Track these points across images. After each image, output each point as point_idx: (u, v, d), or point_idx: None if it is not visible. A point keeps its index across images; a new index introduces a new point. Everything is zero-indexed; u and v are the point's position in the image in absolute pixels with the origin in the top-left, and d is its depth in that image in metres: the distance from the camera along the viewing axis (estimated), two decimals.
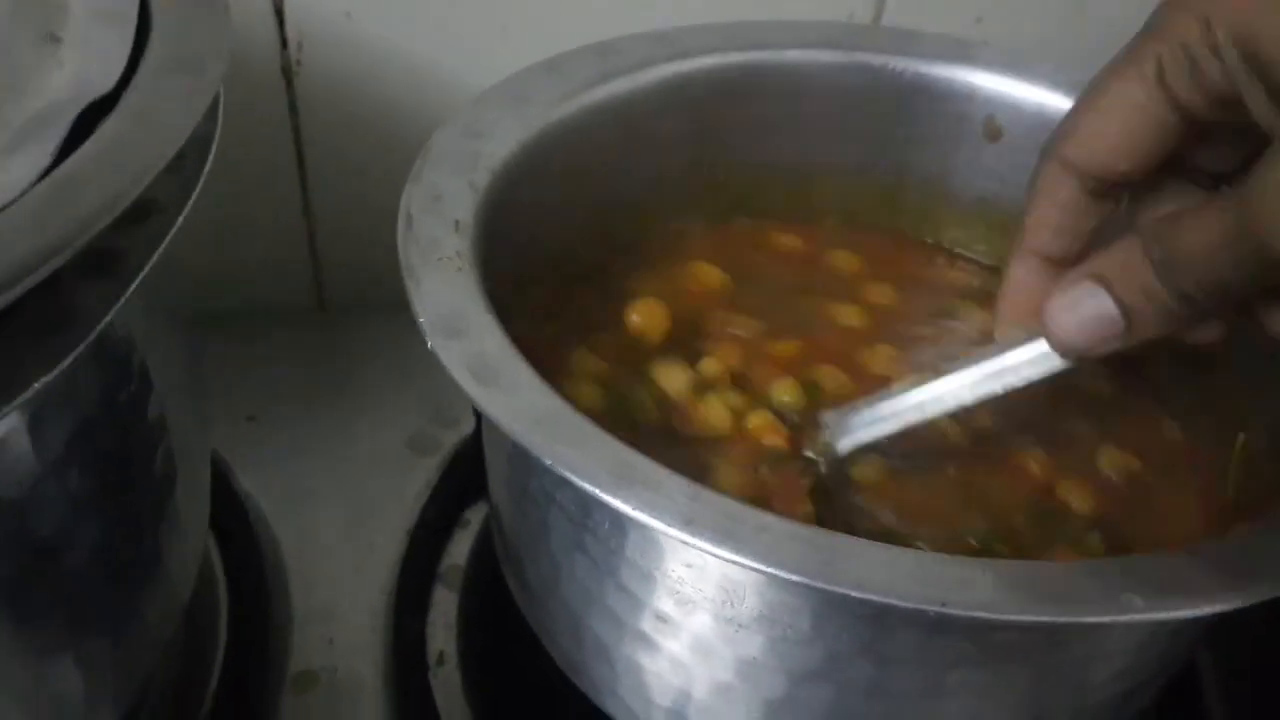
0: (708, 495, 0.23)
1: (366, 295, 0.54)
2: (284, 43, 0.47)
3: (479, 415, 0.45)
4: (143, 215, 0.24)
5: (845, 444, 0.33)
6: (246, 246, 0.52)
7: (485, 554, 0.43)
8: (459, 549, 0.43)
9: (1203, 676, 0.39)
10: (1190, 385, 0.37)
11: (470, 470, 0.45)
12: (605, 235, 0.41)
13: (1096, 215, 0.30)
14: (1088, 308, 0.27)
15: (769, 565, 0.22)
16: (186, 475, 0.33)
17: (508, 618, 0.36)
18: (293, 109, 0.49)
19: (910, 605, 0.21)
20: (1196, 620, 0.23)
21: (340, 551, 0.43)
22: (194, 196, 0.25)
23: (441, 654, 0.40)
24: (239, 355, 0.50)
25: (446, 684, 0.39)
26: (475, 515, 0.45)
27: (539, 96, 0.37)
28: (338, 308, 0.56)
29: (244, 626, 0.40)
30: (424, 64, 0.49)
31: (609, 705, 0.32)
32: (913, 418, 0.32)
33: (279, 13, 0.47)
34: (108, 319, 0.22)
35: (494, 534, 0.37)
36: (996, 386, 0.31)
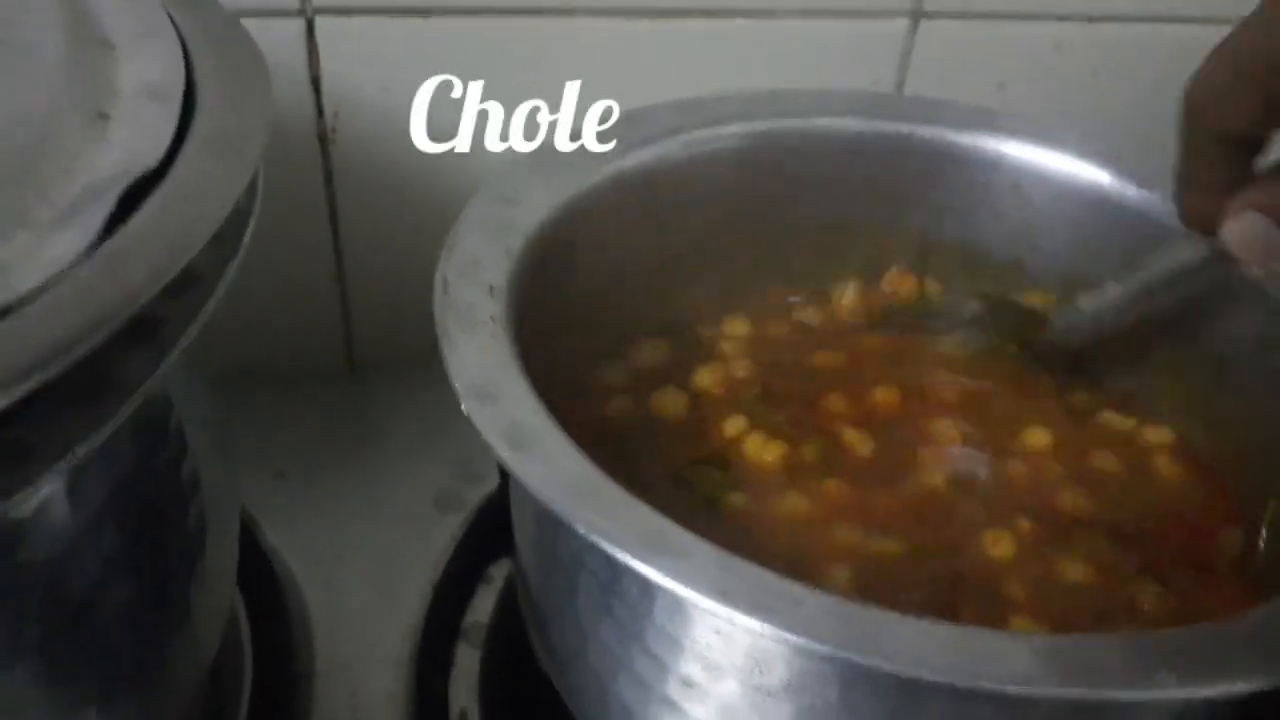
0: (738, 564, 0.23)
1: (395, 355, 0.54)
2: (320, 111, 0.48)
3: (505, 475, 0.46)
4: (184, 286, 0.24)
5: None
6: (279, 306, 0.53)
7: (508, 611, 0.43)
8: (483, 605, 0.44)
9: None
10: (1220, 453, 0.37)
11: (495, 527, 0.46)
12: (632, 300, 0.42)
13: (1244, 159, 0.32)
14: (1258, 232, 0.31)
15: (805, 637, 0.22)
16: (216, 533, 0.33)
17: (530, 677, 0.36)
18: (328, 175, 0.50)
19: (943, 680, 0.21)
20: (1231, 697, 0.23)
21: (365, 607, 0.43)
22: (233, 268, 0.26)
23: (464, 712, 0.40)
24: (269, 412, 0.51)
25: None
26: (499, 571, 0.45)
27: (569, 164, 0.38)
28: (366, 367, 0.56)
29: (269, 679, 0.40)
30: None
31: None
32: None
33: (316, 82, 0.48)
34: (147, 386, 0.23)
35: (519, 594, 0.37)
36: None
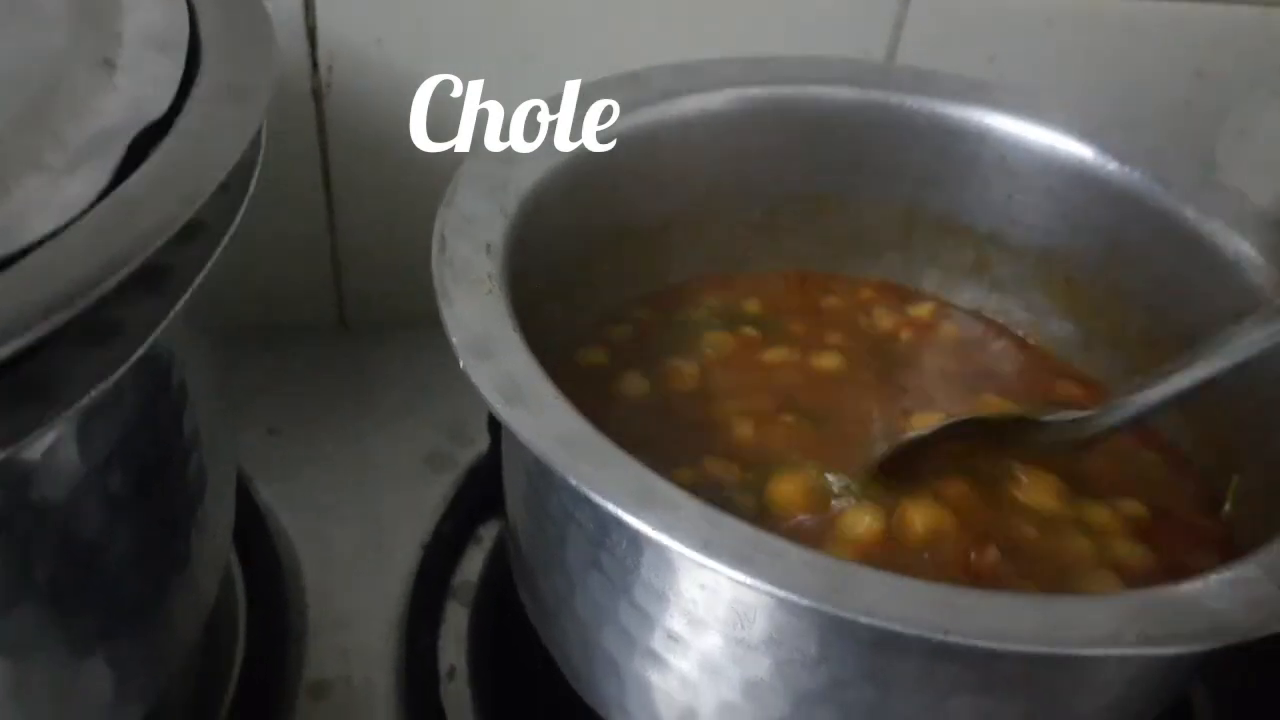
0: (725, 520, 0.24)
1: (387, 313, 0.55)
2: (315, 65, 0.49)
3: (495, 434, 0.47)
4: (191, 235, 0.25)
5: None
6: (271, 262, 0.53)
7: (498, 570, 0.44)
8: (472, 565, 0.44)
9: (1197, 709, 0.39)
10: (1190, 425, 0.38)
11: (485, 487, 0.46)
12: (626, 260, 0.43)
13: None
14: None
15: (783, 589, 0.23)
16: (215, 484, 0.34)
17: (518, 634, 0.36)
18: (321, 129, 0.50)
19: (914, 632, 0.22)
20: (1190, 654, 0.24)
21: (356, 564, 0.44)
22: (238, 217, 0.27)
23: (453, 668, 0.40)
24: (262, 369, 0.51)
25: (457, 697, 0.39)
26: (489, 532, 0.46)
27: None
28: (359, 325, 0.57)
29: (261, 634, 0.41)
30: (452, 89, 0.50)
31: None
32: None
33: (311, 35, 0.48)
34: (157, 333, 0.23)
35: (509, 550, 0.38)
36: None
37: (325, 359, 0.54)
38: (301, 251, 0.54)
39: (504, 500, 0.37)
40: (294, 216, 0.53)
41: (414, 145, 0.51)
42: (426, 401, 0.51)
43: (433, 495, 0.47)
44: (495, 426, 0.47)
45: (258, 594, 0.42)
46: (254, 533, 0.44)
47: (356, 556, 0.44)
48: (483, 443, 0.49)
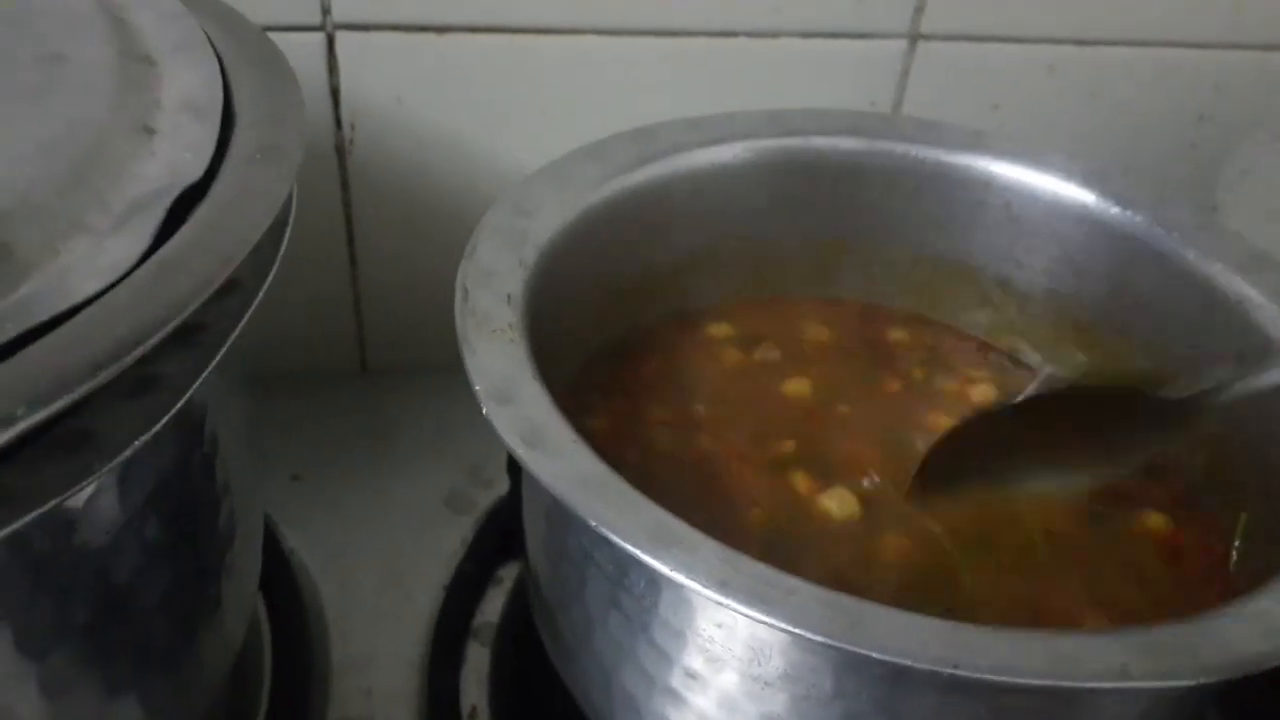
0: (740, 559, 0.25)
1: (407, 360, 0.56)
2: (338, 123, 0.50)
3: (514, 476, 0.48)
4: (226, 292, 0.26)
5: None
6: (296, 312, 0.54)
7: (517, 612, 0.44)
8: (492, 606, 0.45)
9: None
10: (1195, 464, 0.39)
11: (504, 529, 0.47)
12: (638, 306, 0.44)
13: None
14: None
15: (797, 626, 0.23)
16: (244, 530, 0.35)
17: (538, 674, 0.37)
18: (344, 184, 0.52)
19: (924, 666, 0.23)
20: (1197, 687, 0.25)
21: (379, 605, 0.45)
22: (271, 275, 0.28)
23: (474, 708, 0.41)
24: (285, 416, 0.52)
25: None
26: (508, 573, 0.46)
27: (581, 178, 0.40)
28: (379, 371, 0.58)
29: (287, 675, 0.42)
30: (468, 145, 0.52)
31: None
32: None
33: (335, 94, 0.50)
34: (195, 387, 0.25)
35: (529, 590, 0.39)
36: None
37: (347, 404, 0.55)
38: (325, 301, 0.55)
39: (523, 542, 0.38)
40: (319, 267, 0.54)
41: (433, 199, 0.53)
42: (446, 445, 0.52)
43: (453, 537, 0.48)
44: (514, 469, 0.48)
45: (283, 635, 0.43)
46: (279, 576, 0.45)
47: (379, 598, 0.45)
48: (502, 485, 0.50)
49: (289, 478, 0.50)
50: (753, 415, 0.41)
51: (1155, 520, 0.38)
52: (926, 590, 0.34)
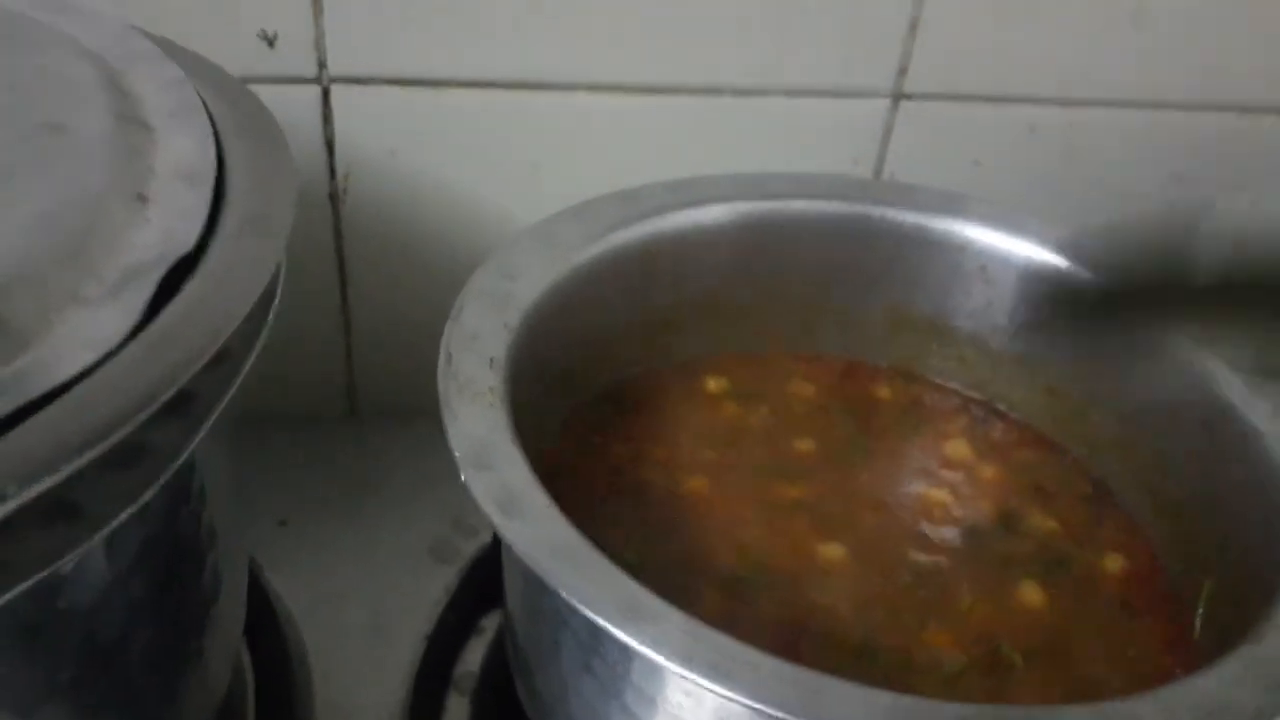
0: (705, 632, 0.26)
1: (396, 406, 0.57)
2: (332, 173, 0.51)
3: None
4: (216, 362, 0.27)
5: None
6: (286, 357, 0.55)
7: (498, 662, 0.45)
8: (473, 656, 0.46)
9: None
10: (1163, 529, 0.40)
11: (487, 579, 0.48)
12: (621, 359, 0.45)
13: None
14: None
15: (758, 702, 0.24)
16: (229, 582, 0.35)
17: None
18: (337, 233, 0.53)
19: None
20: None
21: (362, 652, 0.45)
22: (259, 344, 0.29)
23: None
24: (275, 460, 0.53)
25: None
26: (490, 623, 0.47)
27: (566, 239, 0.41)
28: (368, 416, 0.59)
29: None
30: (460, 196, 0.53)
31: None
32: None
33: (330, 145, 0.51)
34: (184, 456, 0.25)
35: (507, 644, 0.40)
36: None
37: (335, 449, 0.56)
38: (317, 346, 0.56)
39: (505, 593, 0.39)
40: (311, 313, 0.55)
41: (425, 248, 0.53)
42: (432, 492, 0.53)
43: (436, 585, 0.48)
44: None
45: (266, 681, 0.44)
46: (263, 621, 0.46)
47: (362, 644, 0.46)
48: (485, 534, 0.50)
49: (276, 523, 0.51)
50: (749, 463, 0.42)
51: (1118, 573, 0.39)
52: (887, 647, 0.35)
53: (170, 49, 0.36)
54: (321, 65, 0.49)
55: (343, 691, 0.44)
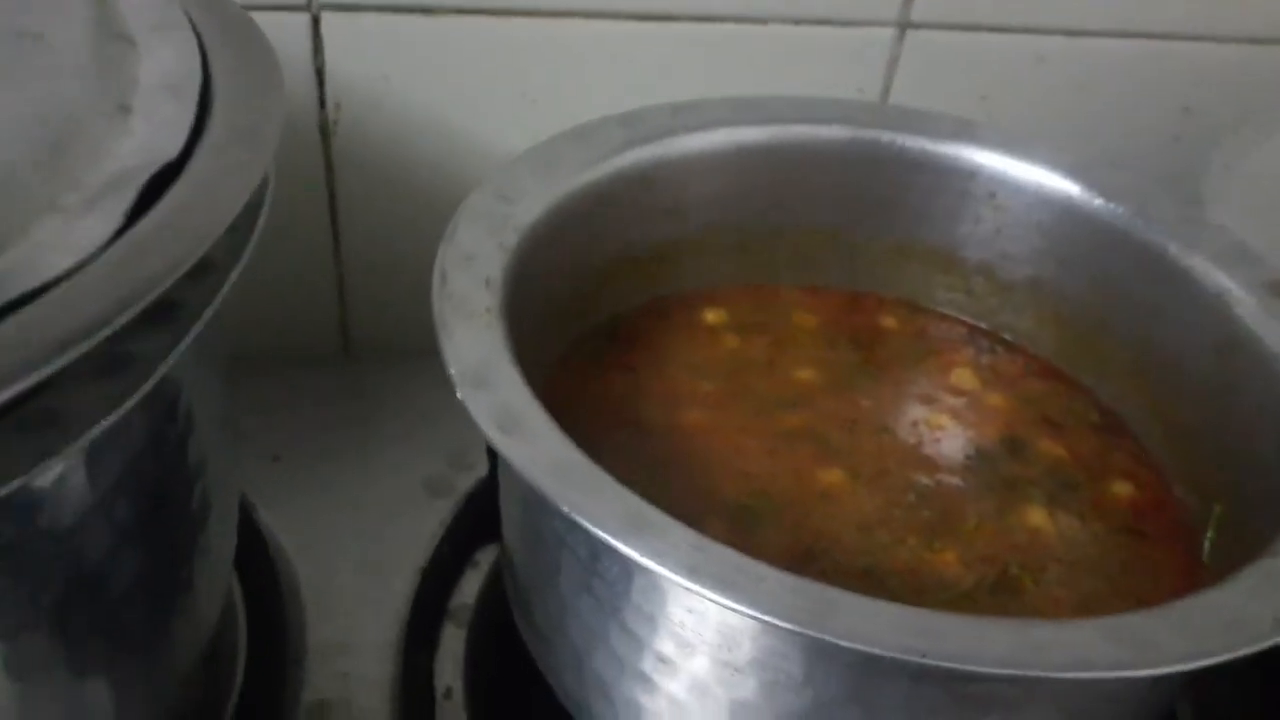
0: (711, 546, 0.25)
1: (390, 343, 0.56)
2: (322, 103, 0.50)
3: (493, 460, 0.47)
4: (200, 272, 0.26)
5: None
6: (277, 292, 0.54)
7: (493, 594, 0.44)
8: (469, 588, 0.45)
9: None
10: (1174, 455, 0.39)
11: (483, 513, 0.47)
12: (621, 290, 0.44)
13: None
14: None
15: (764, 613, 0.23)
16: (218, 511, 0.35)
17: (513, 656, 0.37)
18: (328, 165, 0.52)
19: (892, 655, 0.23)
20: (1164, 676, 0.25)
21: (356, 588, 0.45)
22: (245, 256, 0.28)
23: (449, 689, 0.41)
24: (266, 397, 0.52)
25: (454, 718, 0.40)
26: (485, 557, 0.47)
27: (566, 162, 0.40)
28: (361, 354, 0.58)
29: (262, 657, 0.42)
30: (455, 128, 0.51)
31: None
32: None
33: (320, 74, 0.49)
34: (165, 366, 0.24)
35: (504, 574, 0.39)
36: None
37: (329, 387, 0.55)
38: (308, 283, 0.55)
39: (501, 525, 0.38)
40: (301, 249, 0.54)
41: (419, 181, 0.52)
42: (427, 428, 0.52)
43: (431, 520, 0.48)
44: (494, 453, 0.47)
45: (258, 617, 0.43)
46: (255, 557, 0.45)
47: (356, 580, 0.45)
48: (481, 468, 0.50)
49: (269, 458, 0.50)
50: (751, 393, 0.42)
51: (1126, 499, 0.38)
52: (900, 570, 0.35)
53: None
54: None
55: (337, 627, 0.43)
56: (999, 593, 0.34)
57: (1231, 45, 0.56)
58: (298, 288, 0.55)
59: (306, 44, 0.49)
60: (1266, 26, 0.56)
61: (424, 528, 0.47)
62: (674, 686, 0.30)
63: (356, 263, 0.55)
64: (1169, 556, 0.36)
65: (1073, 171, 0.43)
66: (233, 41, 0.34)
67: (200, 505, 0.33)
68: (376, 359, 0.57)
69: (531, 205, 0.38)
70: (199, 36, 0.33)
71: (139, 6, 0.33)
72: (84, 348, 0.22)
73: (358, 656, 0.42)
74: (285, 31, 0.48)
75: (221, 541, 0.36)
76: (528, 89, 0.51)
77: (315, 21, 0.48)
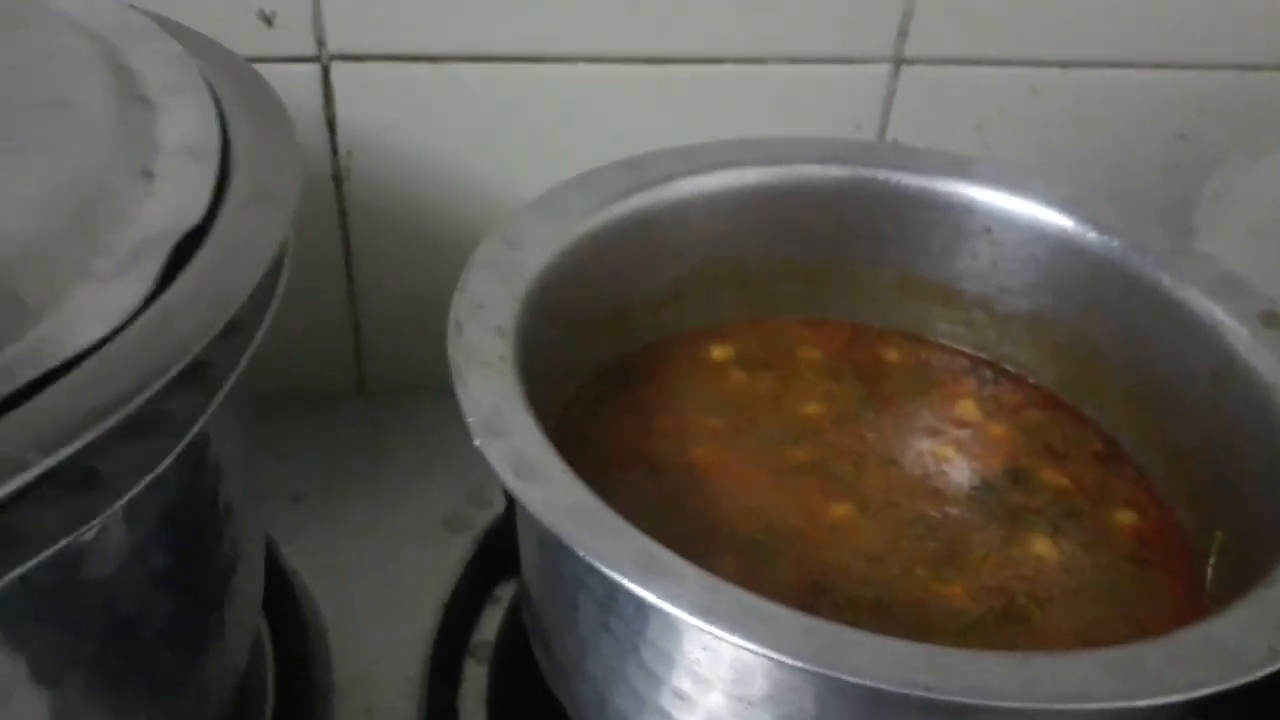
0: (723, 586, 0.26)
1: (403, 382, 0.57)
2: (334, 150, 0.51)
3: (511, 499, 0.49)
4: (228, 332, 0.27)
5: None
6: (294, 335, 0.55)
7: (513, 631, 0.45)
8: (489, 625, 0.46)
9: None
10: (1175, 483, 0.40)
11: (501, 549, 0.48)
12: (628, 330, 0.45)
13: None
14: None
15: (777, 652, 0.24)
16: (246, 555, 0.36)
17: (533, 693, 0.38)
18: (342, 211, 0.53)
19: (900, 690, 0.24)
20: (1164, 706, 0.26)
21: (379, 624, 0.46)
22: (270, 314, 0.29)
23: None
24: (286, 437, 0.53)
25: None
26: (505, 592, 0.47)
27: (572, 209, 0.41)
28: (377, 392, 0.59)
29: (290, 694, 0.43)
30: (462, 171, 0.53)
31: None
32: None
33: (331, 123, 0.51)
34: (200, 424, 0.26)
35: (524, 610, 0.40)
36: None
37: (345, 425, 0.56)
38: (324, 324, 0.56)
39: (518, 561, 0.39)
40: (318, 292, 0.55)
41: (429, 223, 0.54)
42: (443, 465, 0.53)
43: (451, 556, 0.49)
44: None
45: (285, 655, 0.44)
46: (281, 595, 0.46)
47: (379, 616, 0.46)
48: (499, 504, 0.51)
49: (290, 498, 0.51)
50: (758, 428, 0.43)
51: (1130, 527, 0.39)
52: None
53: (168, 26, 0.37)
54: (320, 43, 0.49)
55: (362, 663, 0.44)
56: (1007, 622, 0.35)
57: (1222, 72, 0.57)
58: (313, 329, 0.56)
59: (318, 93, 0.50)
60: (1254, 54, 0.57)
61: (444, 564, 0.48)
62: None
63: (371, 302, 0.56)
64: (1172, 583, 0.37)
65: (1066, 206, 0.44)
66: (246, 101, 0.35)
67: (230, 549, 0.34)
68: (390, 396, 0.58)
69: (540, 252, 0.39)
70: (216, 98, 0.34)
71: (156, 70, 0.34)
72: (124, 413, 0.23)
73: (382, 692, 0.43)
74: (297, 82, 0.49)
75: (250, 584, 0.37)
76: (533, 131, 0.52)
77: (325, 71, 0.49)
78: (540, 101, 0.51)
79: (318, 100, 0.50)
